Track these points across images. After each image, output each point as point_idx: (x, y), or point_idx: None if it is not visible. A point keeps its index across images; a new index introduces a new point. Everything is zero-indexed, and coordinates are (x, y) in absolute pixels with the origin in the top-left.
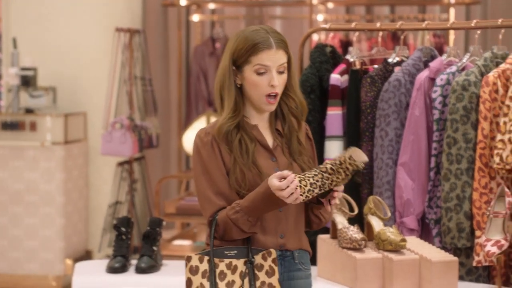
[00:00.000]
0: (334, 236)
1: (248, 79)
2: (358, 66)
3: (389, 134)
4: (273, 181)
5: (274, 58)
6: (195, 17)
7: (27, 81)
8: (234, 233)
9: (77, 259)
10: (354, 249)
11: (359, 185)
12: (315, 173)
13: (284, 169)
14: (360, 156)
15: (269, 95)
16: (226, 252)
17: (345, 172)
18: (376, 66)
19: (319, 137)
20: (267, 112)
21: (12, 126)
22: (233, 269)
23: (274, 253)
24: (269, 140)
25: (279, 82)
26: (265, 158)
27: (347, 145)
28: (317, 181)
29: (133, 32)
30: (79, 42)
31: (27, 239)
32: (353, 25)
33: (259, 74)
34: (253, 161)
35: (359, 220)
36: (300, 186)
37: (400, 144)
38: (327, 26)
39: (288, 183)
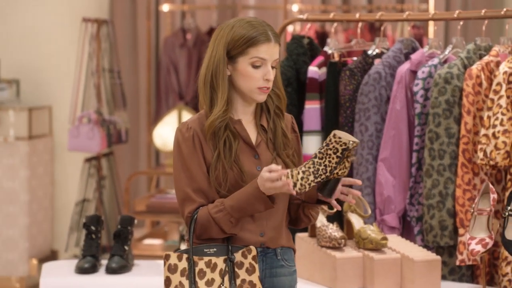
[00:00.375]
0: (313, 235)
1: (242, 71)
2: (336, 58)
3: (369, 129)
4: (264, 173)
5: (271, 51)
6: (165, 7)
7: None
8: (214, 232)
9: (42, 260)
10: (334, 247)
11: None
12: (306, 163)
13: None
14: (346, 136)
15: (262, 88)
16: (205, 250)
17: (335, 153)
18: (355, 58)
19: None
20: (252, 106)
21: None
22: (213, 267)
23: (254, 250)
24: (253, 136)
25: (272, 76)
26: (248, 155)
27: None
28: (309, 167)
29: (100, 23)
30: (44, 32)
31: None
32: (331, 15)
33: (255, 67)
34: (235, 160)
35: (338, 218)
36: (292, 176)
37: (380, 139)
38: (304, 16)
39: (278, 174)
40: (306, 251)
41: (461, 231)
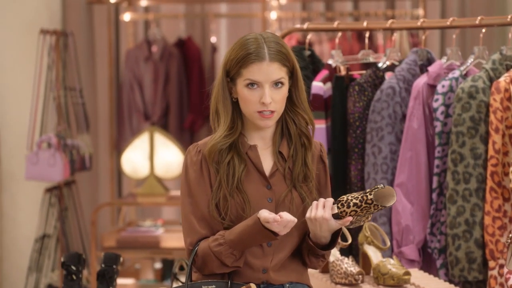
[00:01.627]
0: (325, 270)
1: (240, 94)
2: (343, 72)
3: (382, 150)
4: (264, 213)
5: (266, 72)
6: (126, 16)
7: None
8: (215, 266)
9: None
10: (350, 284)
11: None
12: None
13: (280, 199)
14: (386, 197)
15: (262, 112)
16: (204, 287)
17: (368, 214)
18: (363, 72)
19: None
20: (268, 131)
21: None
22: None
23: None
24: (268, 164)
25: (273, 98)
26: (258, 185)
27: (332, 163)
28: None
29: (59, 35)
30: None
31: None
32: (335, 24)
33: (251, 89)
34: (238, 187)
35: (349, 251)
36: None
37: (395, 162)
38: (304, 26)
39: (278, 217)
40: None
41: (491, 263)
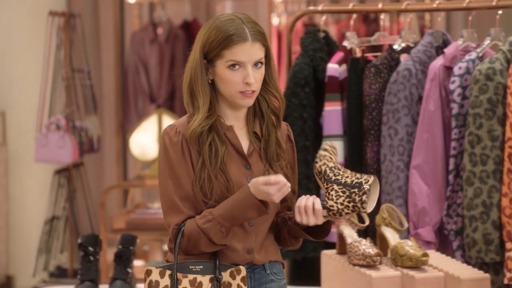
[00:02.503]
0: (342, 252)
1: (221, 75)
2: (359, 54)
3: (399, 132)
4: (259, 178)
5: (249, 52)
6: None
7: None
8: (202, 244)
9: None
10: (368, 266)
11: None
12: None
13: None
14: (372, 202)
15: (243, 92)
16: (191, 267)
17: (357, 178)
18: (377, 54)
19: (315, 137)
20: (243, 111)
21: None
22: (198, 286)
23: (243, 271)
24: (245, 144)
25: (255, 78)
26: (238, 165)
27: (348, 146)
28: (338, 164)
29: (68, 17)
30: None
31: None
32: (350, 6)
33: (233, 70)
34: (222, 168)
35: (363, 233)
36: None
37: (412, 143)
38: (319, 8)
39: (278, 178)
40: (335, 270)
41: (508, 245)
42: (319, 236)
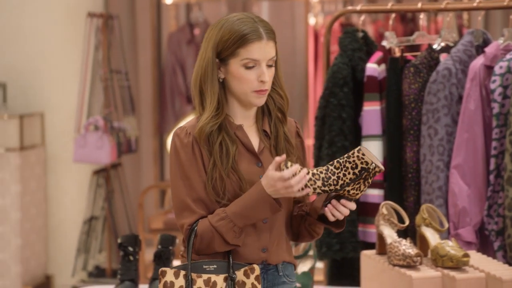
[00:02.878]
0: (382, 252)
1: (235, 74)
2: (398, 54)
3: (439, 132)
4: (273, 172)
5: (264, 50)
6: None
7: None
8: (216, 244)
9: (36, 286)
10: (408, 266)
11: (403, 192)
12: (320, 167)
13: None
14: (371, 157)
15: (257, 91)
16: (205, 267)
17: (353, 169)
18: (416, 53)
19: (354, 137)
20: (252, 110)
21: None
22: (212, 286)
23: (257, 270)
24: (255, 142)
25: (269, 77)
26: (249, 163)
27: (387, 146)
28: (320, 172)
29: (106, 18)
30: (32, 30)
31: None
32: (389, 5)
33: (248, 68)
34: (233, 166)
35: (403, 233)
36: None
37: (452, 143)
38: (357, 7)
39: (294, 171)
40: (374, 270)
41: None
42: (339, 226)
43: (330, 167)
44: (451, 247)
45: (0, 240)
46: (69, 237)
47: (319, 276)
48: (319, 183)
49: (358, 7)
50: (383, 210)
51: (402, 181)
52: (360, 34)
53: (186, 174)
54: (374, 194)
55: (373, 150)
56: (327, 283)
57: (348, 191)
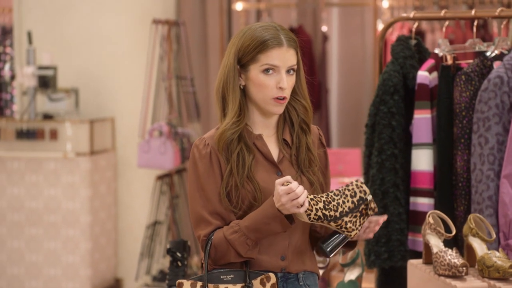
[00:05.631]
0: (428, 261)
1: (254, 80)
2: (450, 62)
3: (489, 141)
4: (280, 187)
5: (284, 57)
6: (239, 5)
7: (45, 82)
8: (230, 256)
9: None
10: (453, 276)
11: (453, 201)
12: (321, 194)
13: None
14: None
15: (277, 98)
16: (222, 277)
17: (352, 197)
18: (471, 61)
19: (404, 145)
20: (273, 119)
21: (29, 134)
22: None
23: (273, 278)
24: (275, 152)
25: (288, 84)
26: (269, 172)
27: (438, 154)
28: (322, 196)
29: (171, 24)
30: (104, 36)
31: (47, 266)
32: (442, 13)
33: (267, 74)
34: (249, 176)
35: (454, 243)
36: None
37: (503, 152)
38: (411, 15)
39: (298, 185)
40: (420, 280)
41: None
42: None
43: (330, 194)
44: (498, 257)
45: (70, 243)
46: (138, 241)
47: (369, 284)
48: (320, 204)
49: (412, 15)
50: (430, 219)
51: (452, 190)
52: (414, 42)
53: (203, 186)
54: (424, 203)
55: (423, 159)
56: None
57: (346, 222)
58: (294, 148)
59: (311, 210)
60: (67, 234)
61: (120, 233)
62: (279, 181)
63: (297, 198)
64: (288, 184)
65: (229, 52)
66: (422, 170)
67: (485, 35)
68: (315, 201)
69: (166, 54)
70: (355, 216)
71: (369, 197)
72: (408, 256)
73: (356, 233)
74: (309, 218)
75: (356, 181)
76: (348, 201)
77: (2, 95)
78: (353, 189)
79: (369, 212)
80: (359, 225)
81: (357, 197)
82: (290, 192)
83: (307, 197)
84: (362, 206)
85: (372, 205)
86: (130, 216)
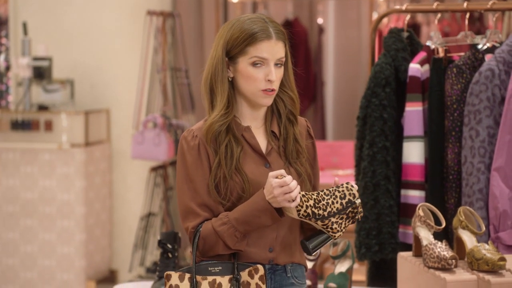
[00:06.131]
0: (418, 254)
1: (243, 72)
2: (441, 54)
3: (480, 133)
4: (273, 180)
5: (273, 50)
6: None
7: (41, 73)
8: (218, 248)
9: (100, 281)
10: (443, 269)
11: (444, 194)
12: (312, 192)
13: None
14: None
15: (265, 90)
16: (210, 269)
17: (342, 199)
18: (462, 53)
19: (396, 138)
20: (261, 111)
21: (24, 126)
22: (217, 287)
23: (261, 270)
24: (263, 144)
25: (276, 76)
26: (257, 164)
27: (429, 147)
28: (313, 194)
29: (166, 16)
30: (99, 28)
31: (42, 257)
32: (434, 5)
33: (256, 66)
34: (237, 168)
35: (444, 235)
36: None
37: (493, 145)
38: (403, 7)
39: (291, 180)
40: (410, 272)
41: None
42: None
43: (321, 193)
44: (487, 250)
45: (65, 234)
46: (134, 232)
47: (361, 276)
48: (311, 202)
49: (404, 7)
50: (420, 211)
51: (443, 182)
52: (406, 34)
53: (191, 178)
54: (415, 195)
55: (414, 151)
56: (367, 284)
57: (332, 223)
58: (281, 139)
59: (302, 206)
60: (62, 225)
61: (115, 225)
62: (272, 173)
63: (290, 192)
64: (282, 178)
65: (217, 44)
66: (413, 163)
67: (481, 28)
68: (306, 198)
69: (160, 46)
70: (342, 218)
71: (358, 201)
72: (399, 248)
73: (340, 234)
74: (299, 214)
75: (347, 183)
76: (337, 202)
77: None
78: (343, 191)
79: (356, 217)
80: (344, 228)
81: (346, 199)
82: (284, 185)
83: (299, 193)
84: (350, 209)
85: (360, 209)
86: (125, 207)
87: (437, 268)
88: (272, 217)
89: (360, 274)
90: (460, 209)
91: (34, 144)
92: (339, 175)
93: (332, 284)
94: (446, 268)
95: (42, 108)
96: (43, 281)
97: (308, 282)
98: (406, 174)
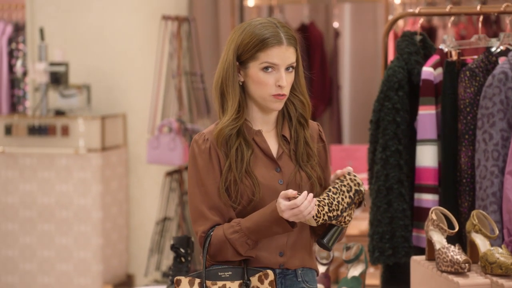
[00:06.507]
0: (431, 258)
1: (253, 77)
2: (454, 57)
3: (493, 137)
4: (282, 202)
5: (283, 55)
6: (250, 2)
7: (57, 78)
8: (228, 254)
9: (116, 285)
10: (456, 273)
11: (458, 198)
12: (322, 195)
13: (290, 179)
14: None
15: (276, 95)
16: (220, 274)
17: (349, 192)
18: (476, 57)
19: (409, 141)
20: (272, 115)
21: (41, 131)
22: None
23: (271, 275)
24: (274, 148)
25: (287, 82)
26: (268, 168)
27: (442, 150)
28: (324, 199)
29: (181, 20)
30: (116, 33)
31: (59, 262)
32: (447, 8)
33: (266, 72)
34: (247, 171)
35: (458, 239)
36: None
37: (507, 149)
38: (416, 10)
39: (303, 199)
40: (423, 276)
41: None
42: None
43: (329, 193)
44: (500, 254)
45: (82, 239)
46: (149, 237)
47: (374, 280)
48: (326, 208)
49: (417, 10)
50: (433, 215)
51: (457, 186)
52: (419, 38)
53: (203, 181)
54: (429, 199)
55: (428, 155)
56: (381, 287)
57: (345, 217)
58: (292, 142)
59: (319, 217)
60: (79, 230)
61: (132, 229)
62: (283, 194)
63: (301, 213)
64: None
65: (228, 48)
66: (426, 166)
67: (498, 31)
68: (321, 206)
69: (175, 51)
70: (351, 209)
71: (362, 188)
72: (412, 252)
73: (350, 221)
74: (317, 223)
75: (349, 174)
76: (345, 197)
77: (14, 91)
78: (348, 183)
79: (363, 202)
80: (353, 215)
81: (353, 191)
82: (294, 207)
83: (315, 204)
84: (357, 197)
85: (363, 195)
86: (142, 212)
87: (450, 272)
88: (284, 229)
89: (374, 278)
90: (474, 212)
91: (51, 149)
92: None
93: None
94: (459, 272)
95: (59, 113)
96: (61, 286)
97: (321, 286)
98: (420, 178)
